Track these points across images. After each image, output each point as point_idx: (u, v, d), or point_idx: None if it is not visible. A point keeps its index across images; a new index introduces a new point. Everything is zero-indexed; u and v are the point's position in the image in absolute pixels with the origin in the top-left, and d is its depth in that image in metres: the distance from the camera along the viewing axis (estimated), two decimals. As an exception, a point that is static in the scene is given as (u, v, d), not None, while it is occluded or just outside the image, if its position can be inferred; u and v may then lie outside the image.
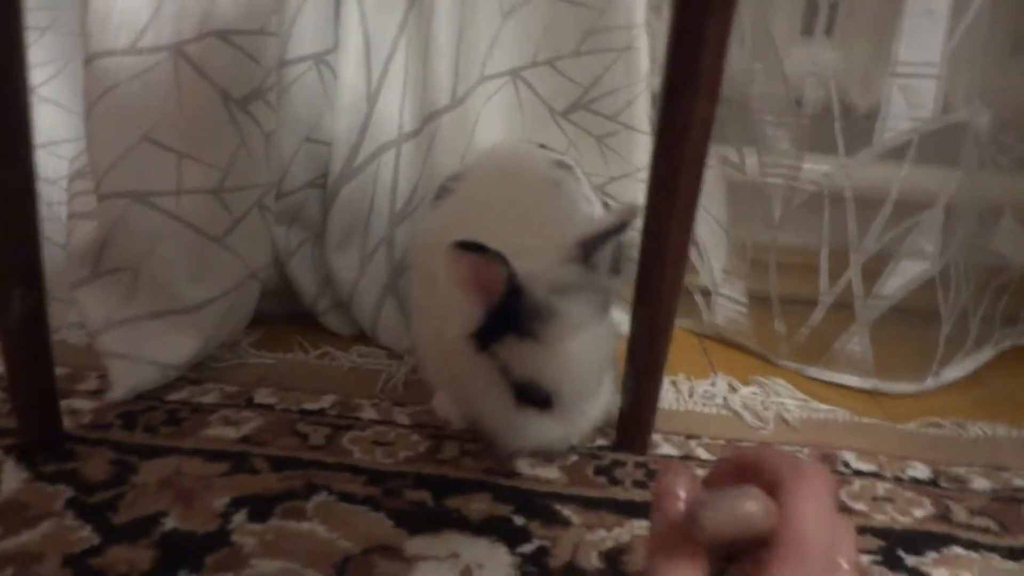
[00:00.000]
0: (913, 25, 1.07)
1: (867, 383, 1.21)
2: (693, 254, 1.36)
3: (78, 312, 1.05)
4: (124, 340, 1.03)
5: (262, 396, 1.05)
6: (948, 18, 1.06)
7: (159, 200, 1.01)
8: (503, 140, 1.24)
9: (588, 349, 0.76)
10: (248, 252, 1.11)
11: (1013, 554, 0.84)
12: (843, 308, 1.21)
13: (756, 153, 1.23)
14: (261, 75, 1.05)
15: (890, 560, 0.81)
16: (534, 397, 0.77)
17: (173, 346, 1.06)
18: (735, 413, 1.10)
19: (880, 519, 0.88)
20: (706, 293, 1.36)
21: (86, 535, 0.76)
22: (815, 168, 1.17)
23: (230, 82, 1.01)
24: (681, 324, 1.40)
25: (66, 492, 0.82)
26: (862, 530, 0.85)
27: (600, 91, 1.23)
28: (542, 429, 0.78)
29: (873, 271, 1.18)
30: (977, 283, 1.28)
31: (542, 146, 1.08)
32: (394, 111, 1.21)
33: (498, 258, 0.71)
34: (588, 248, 0.77)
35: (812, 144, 1.17)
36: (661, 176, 0.84)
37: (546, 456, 0.91)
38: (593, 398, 0.79)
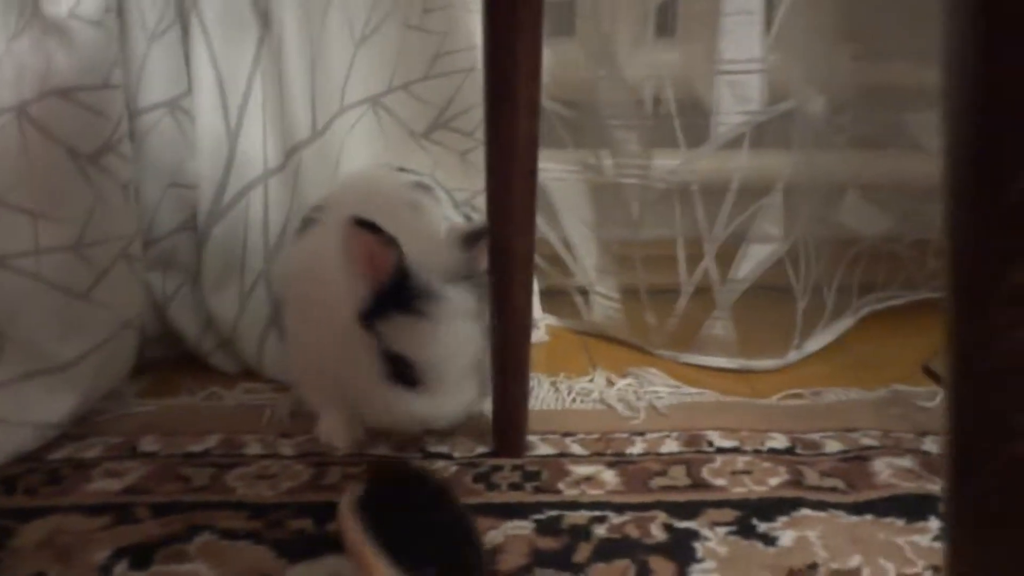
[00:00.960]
0: (733, 23, 1.15)
1: (734, 363, 1.28)
2: (567, 256, 1.42)
3: (-54, 382, 1.04)
4: (-2, 405, 1.03)
5: (146, 444, 1.06)
6: (763, 14, 1.14)
7: (17, 262, 1.01)
8: (362, 167, 1.27)
9: (462, 334, 0.86)
10: (118, 303, 1.12)
11: (857, 508, 0.91)
12: (704, 294, 1.28)
13: (610, 155, 1.29)
14: (109, 128, 1.06)
15: (744, 529, 0.87)
16: (405, 372, 0.86)
17: (50, 405, 1.06)
18: (609, 406, 1.16)
19: (737, 491, 0.95)
20: (583, 292, 1.42)
21: (-40, 607, 0.76)
22: (663, 164, 1.24)
23: (77, 139, 1.02)
24: (563, 324, 1.46)
25: (-60, 571, 0.83)
26: (720, 503, 0.92)
27: (455, 110, 1.28)
28: (410, 404, 0.88)
29: (727, 257, 1.25)
30: (830, 257, 1.37)
31: (401, 169, 1.12)
32: (257, 148, 1.23)
33: (392, 240, 0.81)
34: (469, 241, 0.88)
35: (658, 142, 1.24)
36: (496, 192, 0.89)
37: (412, 435, 0.98)
38: (461, 383, 0.89)
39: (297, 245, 1.04)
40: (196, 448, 1.05)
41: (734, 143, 1.19)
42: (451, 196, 1.10)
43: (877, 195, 1.43)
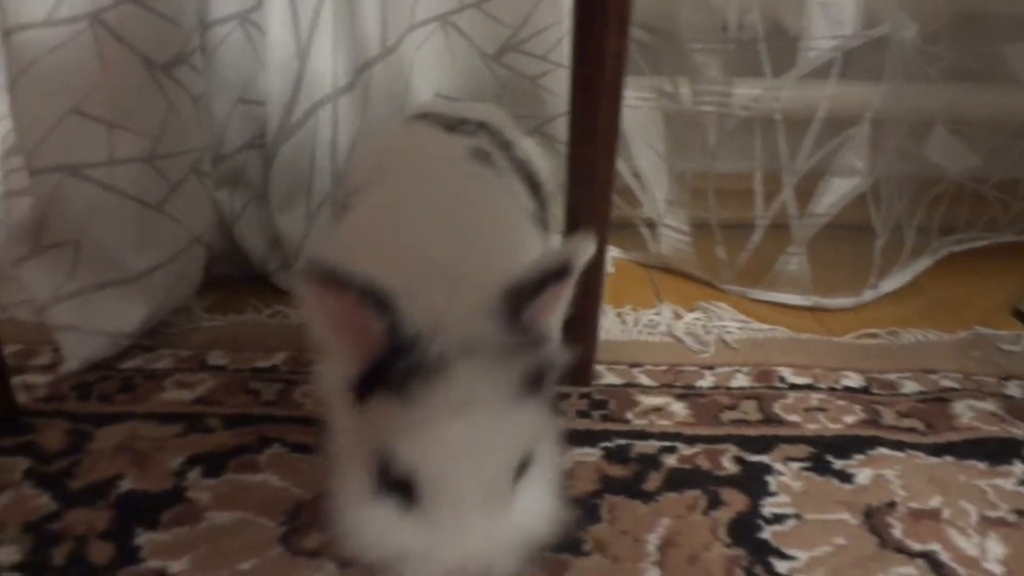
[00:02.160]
0: (831, -58, 1.08)
1: (807, 300, 1.24)
2: (636, 187, 1.38)
3: (25, 289, 1.06)
4: (73, 312, 1.04)
5: (215, 358, 1.08)
6: (865, -68, 1.07)
7: (92, 172, 1.01)
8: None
9: (483, 435, 0.53)
10: (188, 217, 1.12)
11: (936, 450, 0.88)
12: (780, 229, 1.24)
13: (688, 83, 1.24)
14: (182, 38, 1.04)
15: (819, 465, 0.85)
16: (393, 482, 0.54)
17: (122, 315, 1.07)
18: (677, 339, 1.14)
19: (811, 428, 0.92)
20: (651, 224, 1.39)
21: (44, 502, 0.79)
22: (745, 92, 1.19)
23: (152, 48, 1.01)
24: (629, 257, 1.42)
25: (23, 463, 0.85)
26: (793, 439, 0.90)
27: (530, 31, 1.24)
28: (395, 533, 0.55)
29: (806, 191, 1.20)
30: (911, 195, 1.31)
31: (458, 123, 0.87)
32: (327, 65, 1.20)
33: (382, 301, 0.52)
34: (516, 301, 0.55)
35: (740, 69, 1.18)
36: (580, 111, 0.86)
37: None
38: (488, 508, 0.54)
39: (332, 236, 0.80)
40: (264, 364, 1.06)
41: (821, 71, 1.13)
42: (508, 137, 0.88)
43: (967, 131, 1.36)
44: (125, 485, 0.81)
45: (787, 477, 0.83)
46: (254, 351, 1.09)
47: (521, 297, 0.54)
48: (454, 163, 0.78)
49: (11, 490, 0.81)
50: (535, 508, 0.57)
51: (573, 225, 0.91)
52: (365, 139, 1.22)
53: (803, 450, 0.88)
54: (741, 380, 1.03)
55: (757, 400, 0.98)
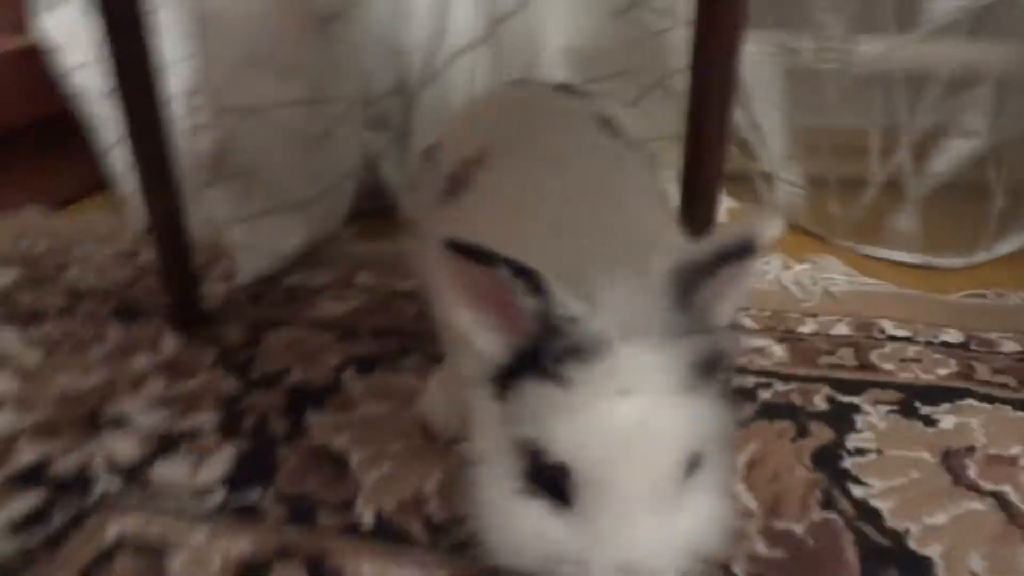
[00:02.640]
0: None
1: (917, 258, 1.28)
2: (754, 139, 1.43)
3: (206, 210, 1.24)
4: (247, 233, 1.22)
5: (362, 278, 1.23)
6: None
7: (266, 113, 1.16)
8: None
9: (650, 424, 0.48)
10: (342, 155, 1.27)
11: (1025, 405, 0.93)
12: (895, 187, 1.27)
13: (811, 38, 1.27)
14: (344, -5, 1.17)
15: (906, 409, 0.92)
16: (544, 479, 0.50)
17: (286, 238, 1.24)
18: (784, 287, 1.20)
19: (904, 376, 0.98)
20: (767, 177, 1.44)
21: (232, 384, 0.96)
22: (867, 49, 1.21)
23: (317, 3, 1.14)
24: (743, 208, 1.48)
25: (212, 352, 1.03)
26: (885, 385, 0.96)
27: (658, -13, 1.30)
28: (546, 536, 0.50)
29: (923, 149, 1.23)
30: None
31: (564, 87, 0.83)
32: (467, 18, 1.31)
33: (532, 281, 0.49)
34: (688, 281, 0.50)
35: (864, 25, 1.21)
36: (700, 66, 0.93)
37: None
38: (654, 508, 0.49)
39: (445, 216, 0.71)
40: (404, 287, 1.20)
41: (948, 29, 1.15)
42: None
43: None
44: (295, 376, 0.97)
45: (874, 418, 0.90)
46: (394, 275, 1.24)
47: (693, 277, 0.49)
48: (585, 132, 0.74)
49: (205, 372, 0.99)
50: (705, 512, 0.51)
51: (690, 179, 0.99)
52: (473, 102, 1.31)
53: (893, 395, 0.94)
54: (841, 329, 1.09)
55: (855, 348, 1.04)
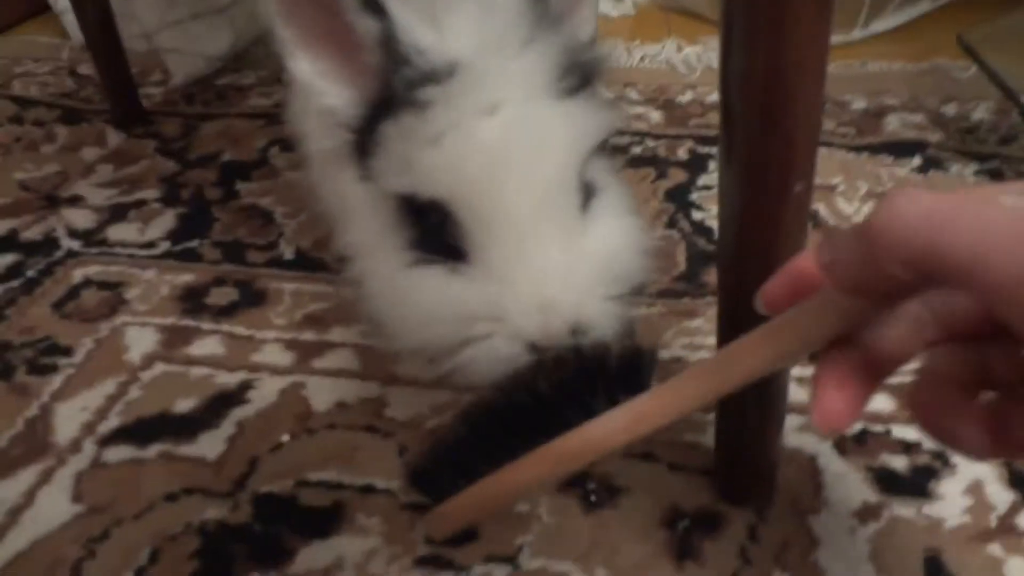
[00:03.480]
0: None
1: (797, 35, 1.39)
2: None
3: (137, 19, 1.32)
4: (176, 38, 1.30)
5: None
6: None
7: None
8: None
9: (525, 132, 0.43)
10: (259, -43, 1.33)
11: (855, 148, 1.08)
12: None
13: None
14: None
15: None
16: (433, 240, 0.45)
17: (214, 40, 1.33)
18: (672, 66, 1.33)
19: (760, 131, 1.13)
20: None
21: (171, 166, 1.10)
22: None
23: None
24: (650, 1, 1.57)
25: (152, 143, 1.15)
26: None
27: None
28: (451, 298, 0.44)
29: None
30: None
31: None
32: None
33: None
34: None
35: None
36: None
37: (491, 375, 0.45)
38: (558, 233, 0.44)
39: None
40: (326, 82, 1.31)
41: None
42: None
43: None
44: (226, 156, 1.10)
45: (725, 162, 1.06)
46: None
47: None
48: None
49: (146, 159, 1.12)
50: (615, 238, 0.46)
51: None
52: None
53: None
54: (715, 96, 1.22)
55: (722, 111, 1.18)
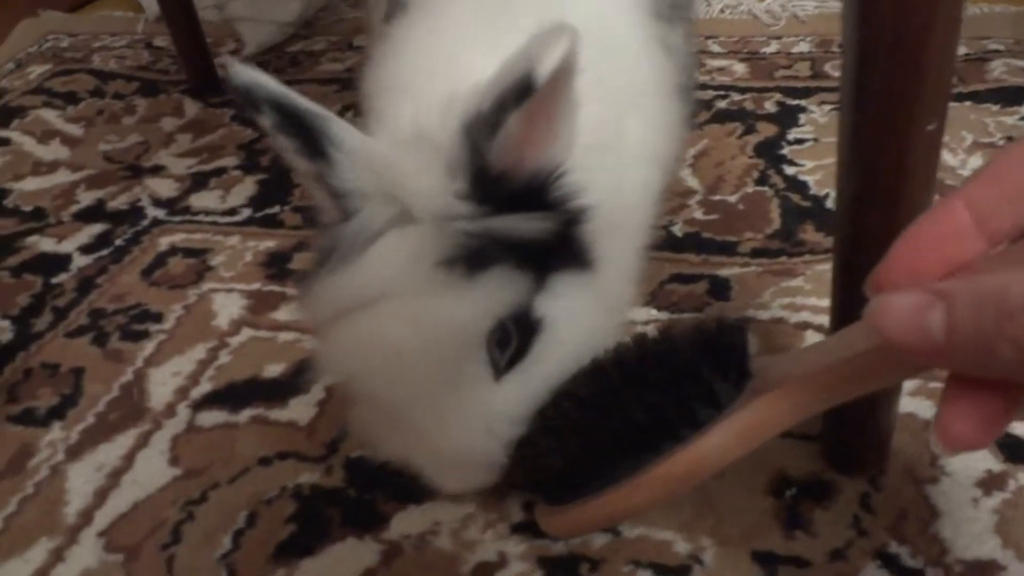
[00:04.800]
0: None
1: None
2: None
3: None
4: (247, 6, 1.30)
5: (359, 41, 1.32)
6: None
7: None
8: None
9: (394, 333, 0.41)
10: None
11: (958, 97, 1.01)
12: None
13: None
14: None
15: (849, 107, 1.01)
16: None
17: (284, 7, 1.32)
18: (754, 16, 1.27)
19: (853, 81, 1.07)
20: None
21: (248, 133, 1.10)
22: None
23: None
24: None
25: (229, 112, 1.16)
26: (833, 89, 1.05)
27: None
28: (384, 444, 0.47)
29: None
30: None
31: None
32: None
33: (298, 137, 0.43)
34: (472, 142, 0.39)
35: None
36: None
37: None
38: (443, 403, 0.43)
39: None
40: (398, 45, 1.29)
41: None
42: None
43: None
44: (302, 122, 1.10)
45: (817, 115, 1.00)
46: (389, 36, 1.33)
47: (477, 136, 0.39)
48: None
49: (224, 128, 1.12)
50: (539, 378, 0.44)
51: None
52: None
53: (838, 96, 1.03)
54: (802, 47, 1.17)
55: (811, 61, 1.12)
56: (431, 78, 0.46)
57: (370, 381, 0.42)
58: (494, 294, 0.41)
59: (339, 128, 0.42)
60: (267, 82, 0.42)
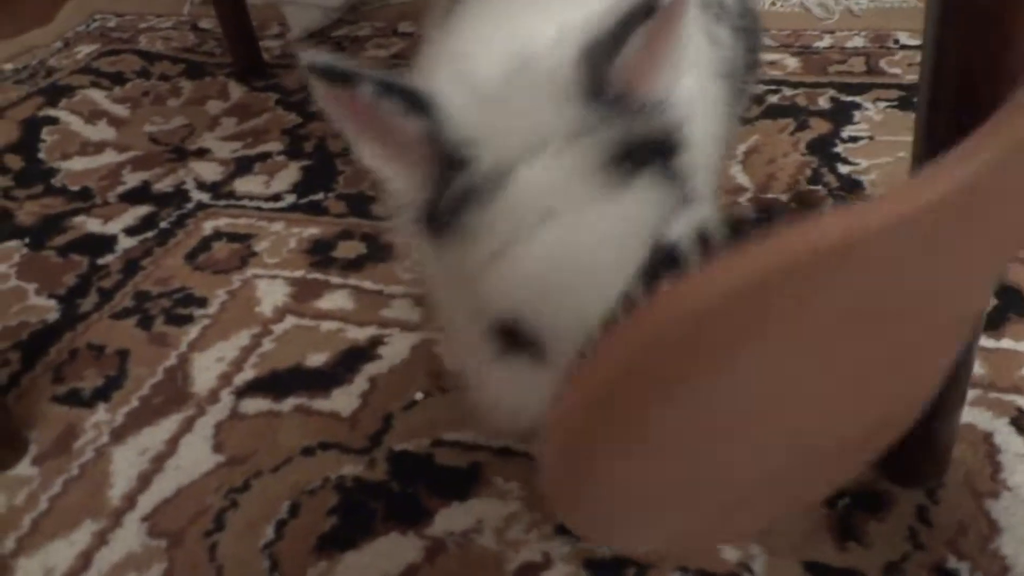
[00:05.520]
0: None
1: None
2: None
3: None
4: (293, -11, 1.30)
5: (404, 27, 1.31)
6: None
7: None
8: None
9: (582, 245, 0.41)
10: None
11: None
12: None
13: None
14: None
15: (903, 104, 0.98)
16: (511, 334, 0.44)
17: (328, -5, 1.32)
18: (806, 9, 1.24)
19: (909, 78, 1.04)
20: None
21: (292, 118, 1.10)
22: None
23: None
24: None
25: (273, 96, 1.15)
26: (888, 86, 1.02)
27: None
28: (535, 391, 0.43)
29: None
30: None
31: None
32: None
33: (397, 94, 0.40)
34: (593, 65, 0.41)
35: None
36: None
37: None
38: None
39: None
40: (442, 32, 1.29)
41: None
42: None
43: None
44: (346, 108, 1.09)
45: (872, 112, 0.98)
46: (434, 22, 1.32)
47: (597, 59, 0.41)
48: None
49: (268, 112, 1.12)
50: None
51: None
52: None
53: (894, 93, 1.01)
54: (856, 42, 1.14)
55: (866, 57, 1.09)
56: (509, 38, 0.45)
57: (562, 299, 0.40)
58: (657, 191, 0.41)
59: (435, 84, 0.42)
60: (347, 61, 0.40)
